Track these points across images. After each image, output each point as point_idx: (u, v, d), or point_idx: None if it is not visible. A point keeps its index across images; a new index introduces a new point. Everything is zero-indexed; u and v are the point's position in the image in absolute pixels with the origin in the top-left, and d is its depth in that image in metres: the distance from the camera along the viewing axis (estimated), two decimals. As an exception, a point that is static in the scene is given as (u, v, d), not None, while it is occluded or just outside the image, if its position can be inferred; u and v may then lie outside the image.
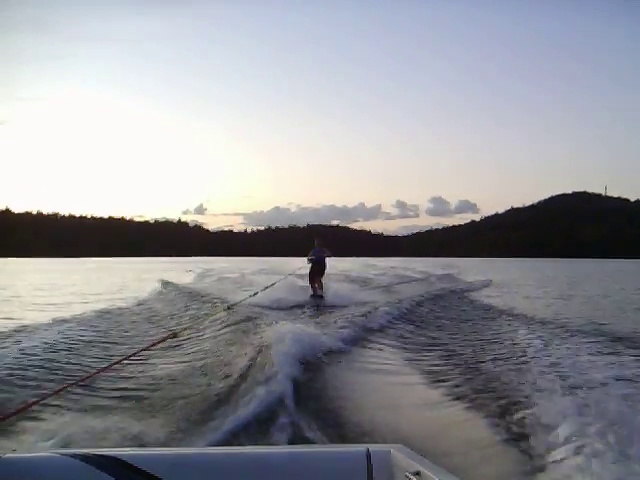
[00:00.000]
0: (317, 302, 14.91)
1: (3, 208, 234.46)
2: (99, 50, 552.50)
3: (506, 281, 30.01)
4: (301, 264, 18.80)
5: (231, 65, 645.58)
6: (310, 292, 16.08)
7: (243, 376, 5.76)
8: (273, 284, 14.51)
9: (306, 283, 16.98)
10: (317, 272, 16.21)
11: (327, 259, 16.54)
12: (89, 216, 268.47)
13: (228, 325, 10.08)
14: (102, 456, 1.97)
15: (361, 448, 2.13)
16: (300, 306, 13.90)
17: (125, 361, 6.22)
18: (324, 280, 16.53)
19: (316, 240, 16.83)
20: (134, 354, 5.94)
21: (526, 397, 5.01)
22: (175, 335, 6.90)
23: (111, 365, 5.22)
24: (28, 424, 4.43)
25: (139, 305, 15.51)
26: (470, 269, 46.18)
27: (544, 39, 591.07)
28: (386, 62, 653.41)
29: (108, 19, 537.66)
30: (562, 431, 3.90)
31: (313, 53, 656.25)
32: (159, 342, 6.57)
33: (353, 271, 33.01)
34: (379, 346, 8.55)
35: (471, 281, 27.44)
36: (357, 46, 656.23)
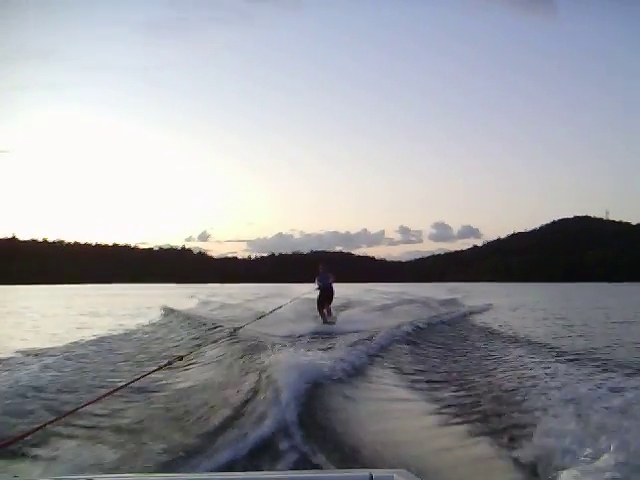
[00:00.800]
0: (327, 328, 14.87)
1: (9, 236, 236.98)
2: (102, 78, 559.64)
3: (504, 305, 30.47)
4: (305, 289, 19.27)
5: (233, 92, 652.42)
6: (320, 320, 16.10)
7: (246, 402, 5.83)
8: (280, 307, 14.70)
9: (312, 306, 17.18)
10: (325, 298, 16.39)
11: (334, 285, 16.64)
12: (94, 243, 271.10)
13: (234, 349, 10.13)
14: None
15: (364, 473, 2.11)
16: (307, 332, 13.83)
17: (133, 383, 5.82)
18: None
19: (321, 266, 16.97)
20: (139, 378, 5.74)
21: (528, 419, 5.11)
22: (181, 358, 6.98)
23: (112, 391, 5.18)
24: (29, 450, 4.45)
25: (145, 329, 16.18)
26: (471, 293, 46.69)
27: (544, 63, 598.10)
28: (388, 87, 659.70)
29: (112, 48, 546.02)
30: (566, 455, 3.90)
31: (314, 78, 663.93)
32: (165, 366, 6.52)
33: (354, 296, 33.49)
34: (381, 371, 8.70)
35: (471, 305, 27.90)
36: (359, 71, 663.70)
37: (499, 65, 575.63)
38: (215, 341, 10.82)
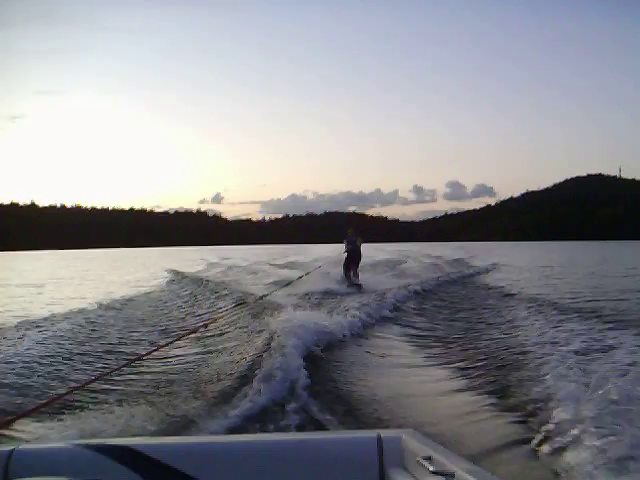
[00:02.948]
0: (354, 290, 14.74)
1: (28, 202, 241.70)
2: (118, 42, 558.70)
3: (510, 264, 30.11)
4: (322, 250, 18.86)
5: (249, 55, 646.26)
6: (346, 282, 15.93)
7: (254, 364, 5.87)
8: (307, 273, 14.96)
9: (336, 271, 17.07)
10: (352, 261, 16.32)
11: (362, 247, 16.59)
12: (110, 208, 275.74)
13: (249, 315, 10.15)
14: (116, 446, 2.02)
15: (372, 433, 2.15)
16: (333, 294, 13.75)
17: (156, 352, 6.10)
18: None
19: (350, 229, 17.11)
20: (167, 344, 6.13)
21: (536, 382, 5.06)
22: (206, 326, 7.22)
23: (135, 359, 5.50)
24: (43, 416, 4.51)
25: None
26: (481, 252, 47.08)
27: (555, 22, 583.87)
28: (403, 50, 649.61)
29: (124, 10, 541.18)
30: (573, 419, 3.86)
31: (329, 42, 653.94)
32: (191, 332, 6.83)
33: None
34: (388, 332, 8.90)
35: (478, 265, 27.98)
36: (371, 33, 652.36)
37: (512, 31, 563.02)
38: (242, 307, 10.79)
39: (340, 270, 16.84)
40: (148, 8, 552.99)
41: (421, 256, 36.75)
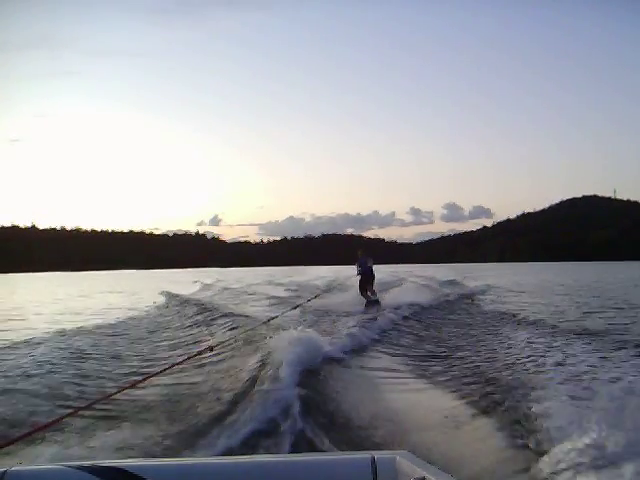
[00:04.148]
0: (374, 308, 14.90)
1: (29, 224, 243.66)
2: (117, 65, 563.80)
3: (502, 285, 29.97)
4: (320, 271, 18.62)
5: (243, 78, 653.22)
6: (364, 301, 16.28)
7: (250, 384, 5.87)
8: (316, 296, 15.49)
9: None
10: (366, 281, 16.80)
11: (374, 267, 17.07)
12: (110, 230, 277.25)
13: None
14: (108, 467, 2.00)
15: (366, 455, 2.13)
16: (352, 314, 13.80)
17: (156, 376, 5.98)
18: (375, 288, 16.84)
19: (360, 252, 17.47)
20: (171, 367, 5.74)
21: (533, 403, 4.99)
22: (212, 349, 7.18)
23: (135, 383, 5.51)
24: (36, 438, 4.45)
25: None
26: (475, 273, 47.15)
27: (550, 43, 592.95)
28: (400, 71, 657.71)
29: (124, 34, 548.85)
30: (570, 439, 3.83)
31: (325, 63, 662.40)
32: (196, 355, 6.66)
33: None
34: (383, 352, 8.89)
35: (471, 286, 27.78)
36: (366, 57, 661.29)
37: (509, 48, 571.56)
38: (247, 330, 10.17)
39: (354, 291, 17.47)
40: (147, 32, 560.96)
41: (413, 277, 36.30)
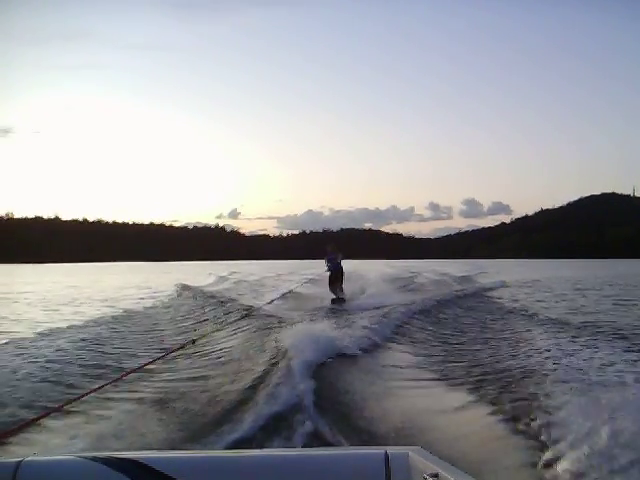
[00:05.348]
0: (338, 305, 15.42)
1: (52, 216, 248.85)
2: (137, 58, 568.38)
3: (518, 282, 29.80)
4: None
5: (265, 72, 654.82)
6: (332, 296, 16.45)
7: (261, 378, 5.91)
8: (290, 291, 16.07)
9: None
10: (336, 278, 16.70)
11: (343, 263, 16.93)
12: (131, 222, 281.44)
13: (248, 327, 10.51)
14: (121, 459, 2.02)
15: (379, 450, 2.14)
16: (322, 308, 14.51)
17: (149, 365, 6.38)
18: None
19: (329, 247, 17.45)
20: (154, 360, 5.92)
21: (544, 398, 5.05)
22: (194, 342, 7.25)
23: (130, 372, 5.41)
24: (50, 427, 4.62)
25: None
26: (488, 269, 46.67)
27: (569, 39, 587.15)
28: (420, 66, 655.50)
29: (143, 28, 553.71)
30: (581, 436, 3.88)
31: (346, 58, 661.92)
32: (178, 349, 6.64)
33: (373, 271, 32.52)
34: (395, 348, 8.89)
35: (486, 282, 27.85)
36: (393, 52, 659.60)
37: (528, 43, 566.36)
38: (230, 323, 10.90)
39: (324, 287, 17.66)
40: (173, 26, 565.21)
41: (428, 272, 37.21)
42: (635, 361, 6.98)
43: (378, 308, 13.25)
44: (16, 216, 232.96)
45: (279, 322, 10.85)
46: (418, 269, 39.43)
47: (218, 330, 10.37)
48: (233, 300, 17.20)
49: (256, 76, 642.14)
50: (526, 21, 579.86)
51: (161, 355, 6.37)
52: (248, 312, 12.47)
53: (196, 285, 26.13)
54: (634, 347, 8.25)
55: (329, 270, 16.77)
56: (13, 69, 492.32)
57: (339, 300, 16.11)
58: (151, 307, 17.15)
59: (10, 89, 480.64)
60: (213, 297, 18.75)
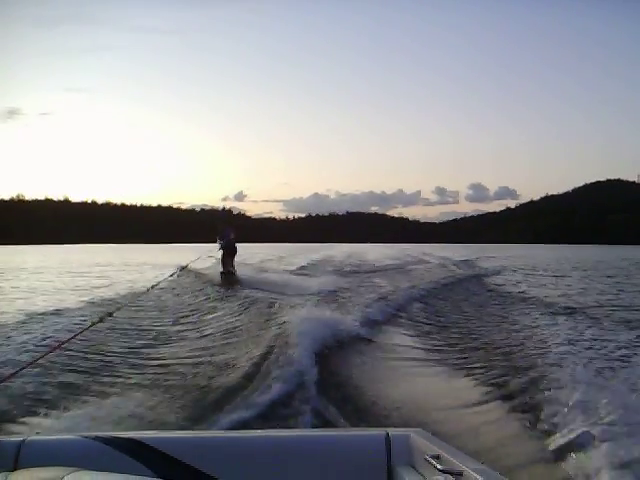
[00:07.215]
0: (229, 279, 16.06)
1: (62, 198, 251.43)
2: (144, 41, 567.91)
3: (518, 266, 29.86)
4: (344, 248, 18.05)
5: (274, 55, 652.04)
6: (220, 269, 17.28)
7: (263, 359, 5.95)
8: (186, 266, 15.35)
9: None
10: (229, 255, 17.61)
11: (236, 244, 17.80)
12: (139, 204, 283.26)
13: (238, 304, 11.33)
14: (124, 439, 2.04)
15: (380, 432, 2.16)
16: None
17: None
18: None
19: (219, 225, 18.15)
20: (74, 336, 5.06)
21: (548, 383, 5.07)
22: (111, 314, 6.24)
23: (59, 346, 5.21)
24: (53, 407, 4.60)
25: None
26: (489, 253, 46.94)
27: (579, 28, 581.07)
28: (427, 51, 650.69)
29: (153, 11, 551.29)
30: (581, 417, 3.94)
31: (355, 41, 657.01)
32: (95, 323, 5.67)
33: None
34: (397, 331, 8.85)
35: (486, 267, 27.98)
36: (398, 36, 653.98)
37: (536, 31, 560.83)
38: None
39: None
40: (181, 9, 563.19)
41: (425, 256, 36.97)
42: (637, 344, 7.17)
43: (379, 292, 13.73)
44: (27, 198, 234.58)
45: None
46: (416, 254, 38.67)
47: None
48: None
49: (265, 58, 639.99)
50: (535, 12, 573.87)
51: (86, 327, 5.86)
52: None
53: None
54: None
55: (222, 248, 17.47)
56: (20, 51, 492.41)
57: (228, 274, 17.02)
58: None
59: (17, 71, 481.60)
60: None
